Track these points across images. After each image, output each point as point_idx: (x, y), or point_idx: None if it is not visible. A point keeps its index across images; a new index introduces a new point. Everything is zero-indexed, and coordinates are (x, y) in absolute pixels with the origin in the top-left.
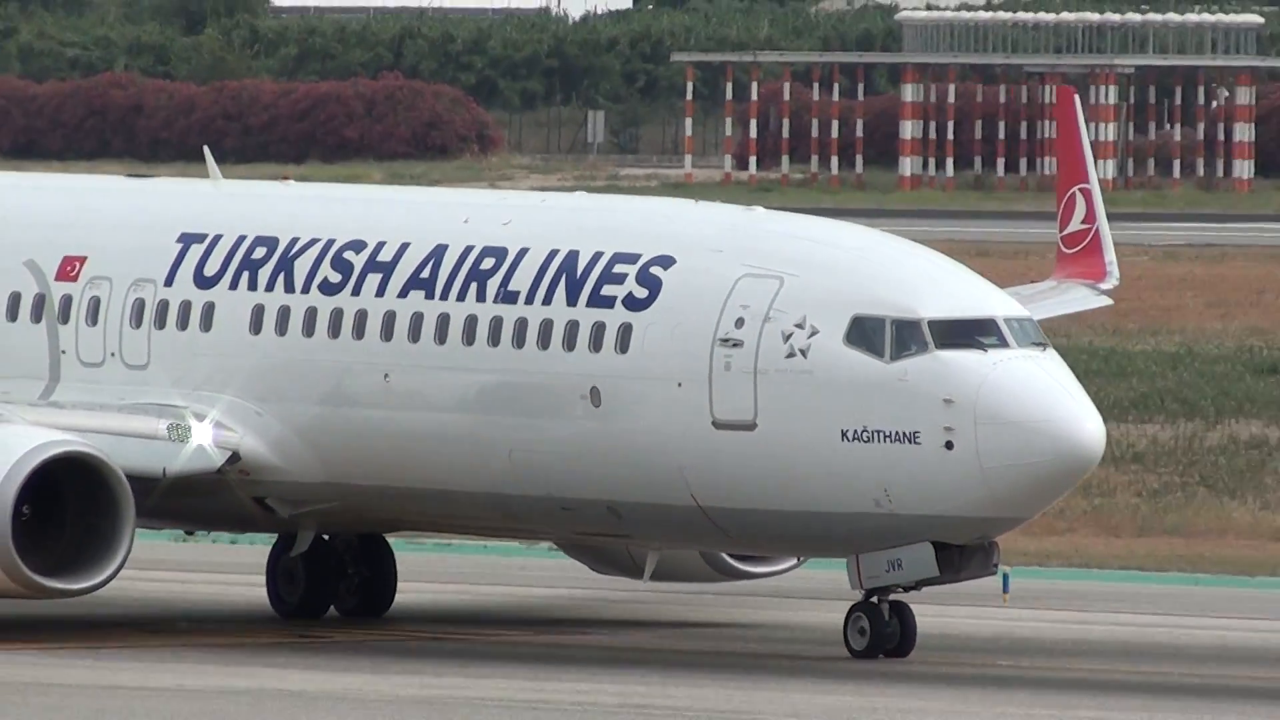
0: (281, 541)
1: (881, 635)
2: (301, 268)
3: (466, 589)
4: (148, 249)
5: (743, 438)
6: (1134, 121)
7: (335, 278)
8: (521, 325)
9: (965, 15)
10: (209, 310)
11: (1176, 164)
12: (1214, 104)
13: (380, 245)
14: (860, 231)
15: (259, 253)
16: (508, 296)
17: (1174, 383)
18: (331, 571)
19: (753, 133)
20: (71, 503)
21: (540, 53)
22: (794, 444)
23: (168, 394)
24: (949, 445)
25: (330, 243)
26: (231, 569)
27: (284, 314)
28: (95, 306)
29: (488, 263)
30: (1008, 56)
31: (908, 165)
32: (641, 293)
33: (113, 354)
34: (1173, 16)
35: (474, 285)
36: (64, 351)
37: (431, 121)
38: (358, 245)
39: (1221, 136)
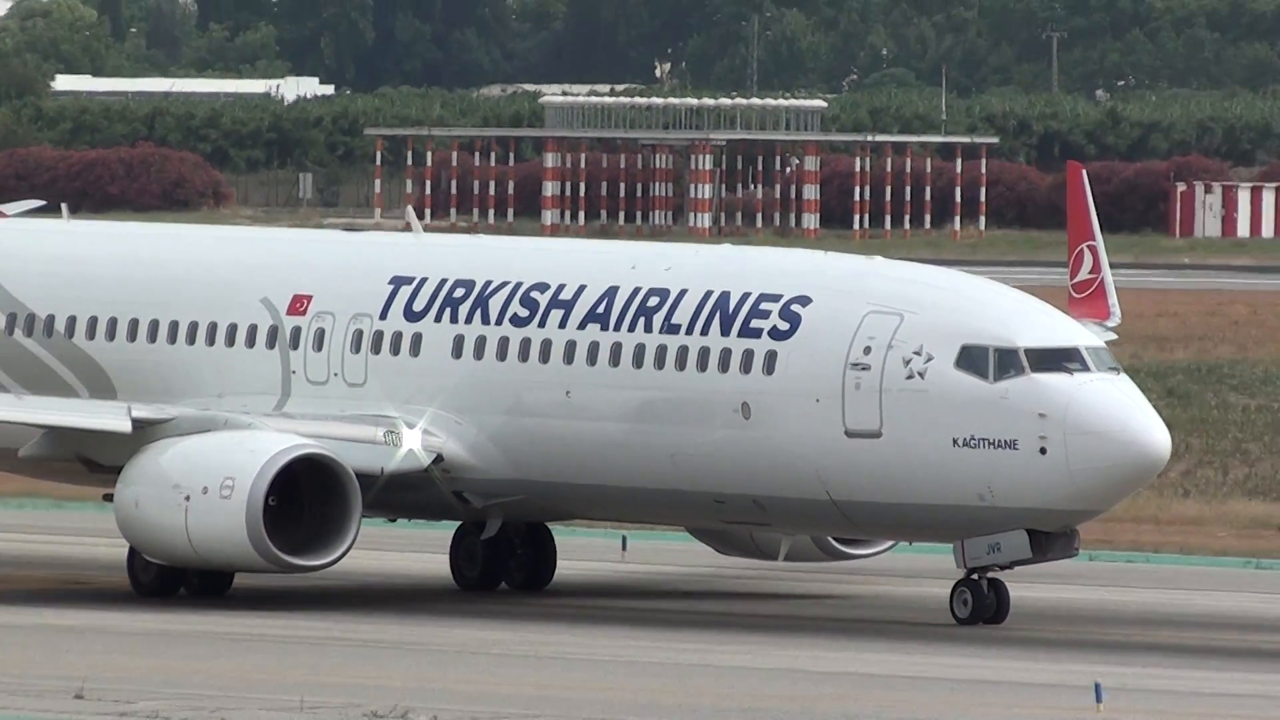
0: (462, 527)
1: (981, 606)
2: (495, 304)
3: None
4: (364, 289)
5: (870, 444)
6: (725, 183)
7: (523, 313)
8: (683, 352)
9: (594, 100)
10: (417, 339)
11: (759, 216)
12: (788, 169)
13: (561, 287)
14: (962, 276)
15: (459, 292)
16: (671, 328)
17: None
18: (504, 552)
19: (428, 190)
20: (308, 494)
21: (262, 127)
22: (913, 449)
23: (382, 406)
24: (1042, 451)
25: (519, 285)
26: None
27: (481, 342)
28: (321, 336)
29: (653, 301)
30: (627, 132)
31: (549, 216)
32: (784, 325)
33: (335, 374)
34: (755, 100)
35: (642, 319)
36: (294, 372)
37: (177, 181)
38: (542, 286)
39: (794, 195)
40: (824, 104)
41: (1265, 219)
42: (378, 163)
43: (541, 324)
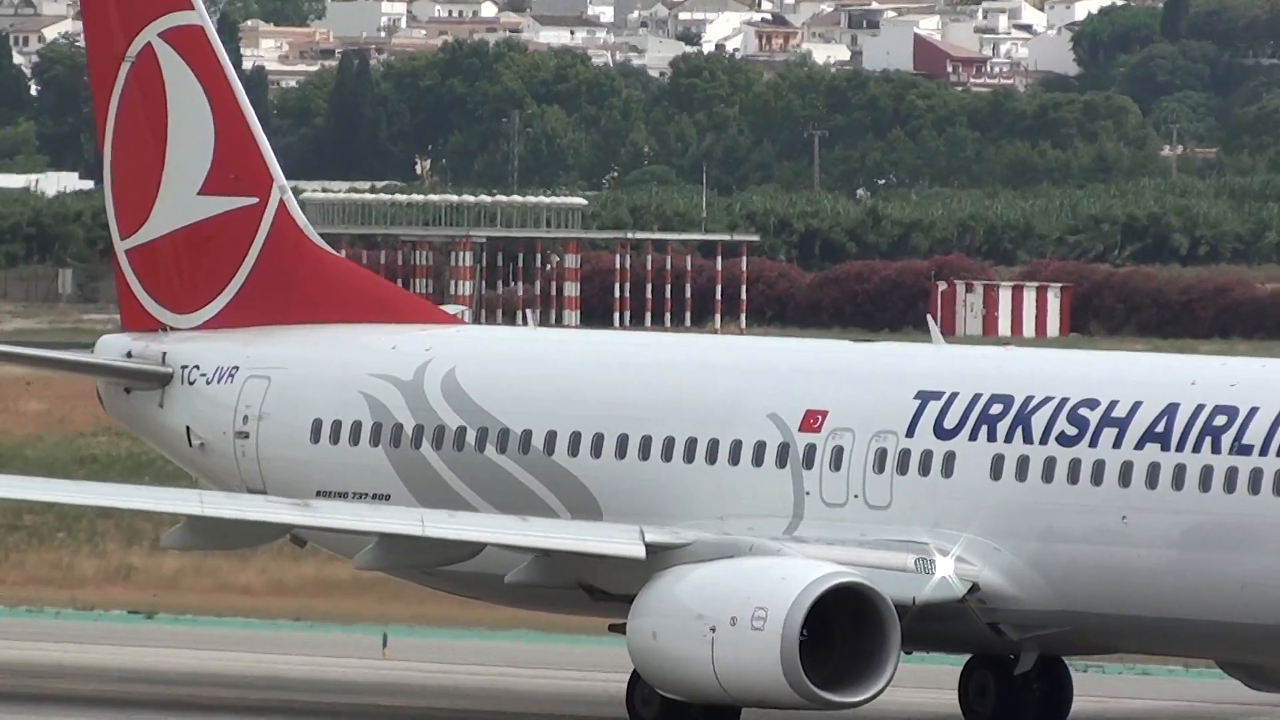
0: (972, 660)
1: None
2: (1038, 422)
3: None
4: (887, 404)
5: None
6: (486, 279)
7: (1071, 431)
8: (1257, 474)
9: (355, 196)
10: (949, 458)
11: (520, 313)
12: (549, 266)
13: (1113, 404)
14: None
15: (996, 409)
16: (1242, 449)
17: None
18: (1019, 686)
19: None
20: (839, 625)
21: (22, 222)
22: None
23: (910, 531)
24: None
25: (1064, 401)
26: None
27: (1023, 462)
28: (838, 454)
29: (1220, 419)
30: (387, 228)
31: None
32: None
33: (855, 496)
34: (516, 198)
35: (1208, 439)
36: (808, 493)
37: None
38: (1091, 403)
39: (555, 292)
40: (584, 201)
41: (1026, 318)
42: None
43: (1093, 443)
